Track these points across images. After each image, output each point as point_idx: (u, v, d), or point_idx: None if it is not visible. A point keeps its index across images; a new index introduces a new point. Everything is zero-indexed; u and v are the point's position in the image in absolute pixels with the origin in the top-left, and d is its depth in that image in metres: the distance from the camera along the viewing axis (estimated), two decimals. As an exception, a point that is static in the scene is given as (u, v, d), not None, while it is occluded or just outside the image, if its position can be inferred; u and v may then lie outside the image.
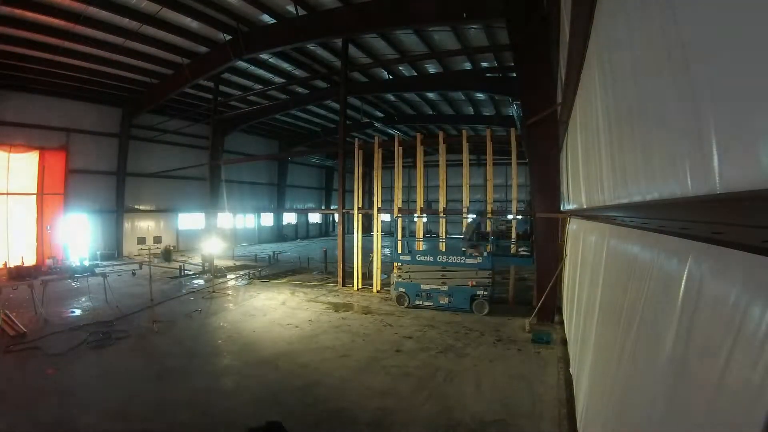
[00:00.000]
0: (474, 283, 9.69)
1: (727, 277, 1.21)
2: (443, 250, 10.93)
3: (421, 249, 11.54)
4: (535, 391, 5.65)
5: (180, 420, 4.92)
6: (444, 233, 12.53)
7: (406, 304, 10.27)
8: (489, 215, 11.26)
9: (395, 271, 10.81)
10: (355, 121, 21.25)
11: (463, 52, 13.66)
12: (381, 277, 12.30)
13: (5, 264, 9.54)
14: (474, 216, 11.28)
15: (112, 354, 7.01)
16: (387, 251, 19.77)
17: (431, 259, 10.20)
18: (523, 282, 12.19)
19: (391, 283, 10.86)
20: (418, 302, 10.20)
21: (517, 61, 9.42)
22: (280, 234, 30.13)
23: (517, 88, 10.10)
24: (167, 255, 18.45)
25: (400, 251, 10.85)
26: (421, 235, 12.72)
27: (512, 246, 12.14)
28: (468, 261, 9.81)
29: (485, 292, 9.64)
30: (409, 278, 10.28)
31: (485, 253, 9.85)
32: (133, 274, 12.28)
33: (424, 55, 13.95)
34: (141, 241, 20.32)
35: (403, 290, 10.34)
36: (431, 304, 10.07)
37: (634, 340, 2.17)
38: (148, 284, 9.29)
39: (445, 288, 9.91)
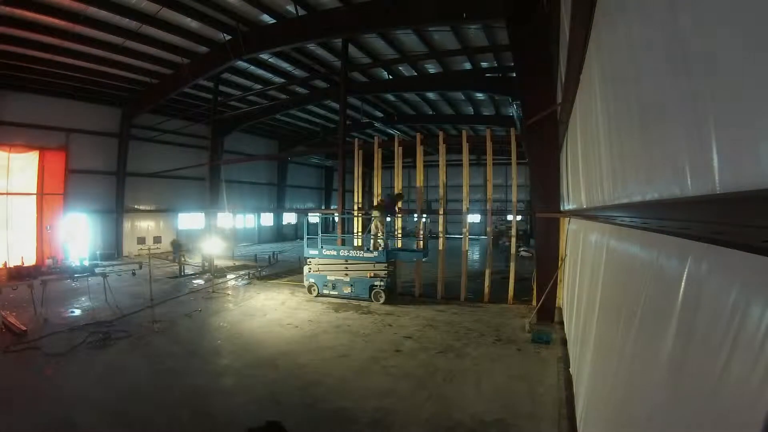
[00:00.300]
0: (372, 274, 10.71)
1: (727, 277, 1.21)
2: (344, 245, 12.27)
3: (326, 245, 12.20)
4: (535, 391, 5.65)
5: (180, 420, 4.92)
6: (444, 233, 12.52)
7: (315, 293, 11.40)
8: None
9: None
10: (355, 121, 21.24)
11: (463, 52, 13.65)
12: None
13: (5, 264, 9.54)
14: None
15: (111, 354, 7.01)
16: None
17: (335, 253, 11.33)
18: (524, 282, 12.19)
19: (304, 275, 11.78)
20: (325, 291, 11.30)
21: (517, 61, 9.43)
22: (280, 234, 30.12)
23: (517, 88, 10.10)
24: (177, 248, 17.55)
25: (307, 247, 11.74)
26: (424, 233, 12.71)
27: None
28: (366, 255, 10.92)
29: (382, 283, 10.67)
30: (318, 270, 11.40)
31: (381, 248, 10.86)
32: (133, 274, 12.26)
33: (424, 55, 13.96)
34: (141, 241, 20.32)
35: (313, 281, 11.50)
36: (336, 293, 11.15)
37: (633, 340, 2.17)
38: (148, 284, 9.29)
39: (348, 279, 11.01)
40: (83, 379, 5.97)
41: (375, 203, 12.16)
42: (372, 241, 11.85)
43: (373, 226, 11.55)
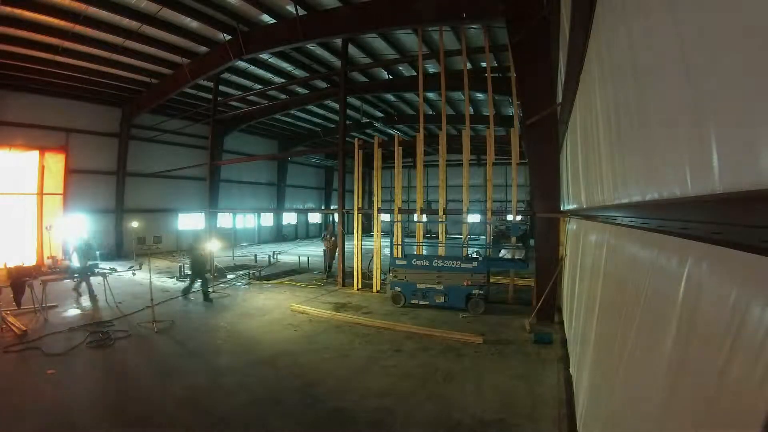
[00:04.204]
0: (470, 282, 9.73)
1: (727, 277, 1.21)
2: (440, 255, 10.92)
3: (418, 254, 11.59)
4: (534, 391, 5.65)
5: (180, 420, 4.92)
6: (444, 233, 12.52)
7: (402, 303, 10.32)
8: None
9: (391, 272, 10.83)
10: (355, 121, 21.25)
11: (463, 52, 13.65)
12: (381, 277, 12.30)
13: (5, 264, 9.53)
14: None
15: (111, 354, 7.01)
16: (387, 251, 19.78)
17: (427, 263, 10.25)
18: (523, 281, 12.17)
19: (387, 283, 11.01)
20: (414, 301, 10.22)
21: (517, 61, 9.43)
22: (279, 234, 30.12)
23: (517, 88, 10.11)
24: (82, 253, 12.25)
25: (397, 256, 10.89)
26: (422, 236, 12.71)
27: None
28: (464, 266, 9.91)
29: (481, 291, 9.69)
30: (405, 278, 10.36)
31: (480, 258, 10.15)
32: (133, 274, 12.26)
33: (424, 55, 13.95)
34: (141, 241, 20.31)
35: (399, 289, 10.39)
36: (427, 303, 10.08)
37: (633, 340, 2.17)
38: (148, 284, 9.28)
39: (441, 287, 9.96)
40: (83, 379, 5.97)
41: None
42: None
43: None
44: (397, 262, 10.58)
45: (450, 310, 9.81)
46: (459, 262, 10.06)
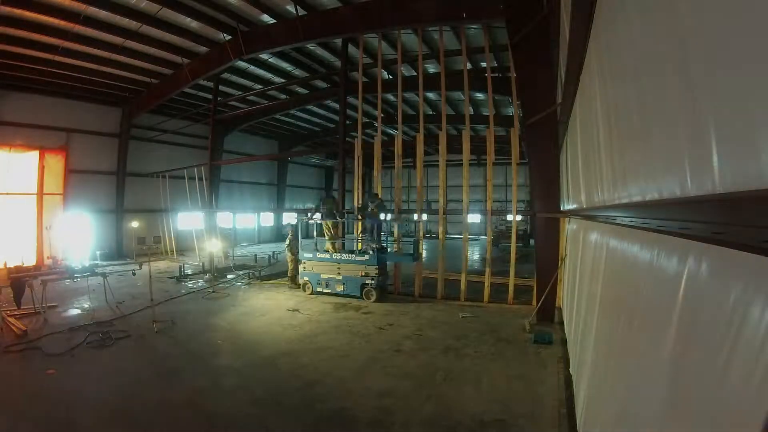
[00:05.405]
0: (363, 273, 11.02)
1: (727, 277, 1.21)
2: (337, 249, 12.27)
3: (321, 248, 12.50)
4: (535, 391, 5.65)
5: (180, 420, 4.92)
6: (444, 233, 12.51)
7: (309, 291, 11.74)
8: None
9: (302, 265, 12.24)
10: (355, 120, 21.18)
11: (462, 52, 13.65)
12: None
13: (5, 264, 9.53)
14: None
15: (112, 354, 7.01)
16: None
17: (328, 256, 11.71)
18: (523, 280, 12.17)
19: (299, 273, 12.21)
20: (318, 289, 11.61)
21: (517, 60, 9.42)
22: (280, 234, 30.10)
23: (517, 88, 10.11)
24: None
25: (302, 249, 12.34)
26: (422, 235, 12.71)
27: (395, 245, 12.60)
28: (357, 258, 11.15)
29: (373, 282, 10.88)
30: (312, 269, 11.85)
31: (372, 252, 11.08)
32: (133, 274, 12.23)
33: (424, 55, 13.94)
34: (141, 241, 20.30)
35: (307, 279, 11.88)
36: (329, 291, 11.45)
37: (633, 340, 2.17)
38: (148, 284, 9.28)
39: (340, 277, 11.33)
40: (83, 379, 5.97)
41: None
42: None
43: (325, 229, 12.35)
44: (305, 254, 12.06)
45: (349, 297, 11.06)
46: (354, 255, 11.26)
